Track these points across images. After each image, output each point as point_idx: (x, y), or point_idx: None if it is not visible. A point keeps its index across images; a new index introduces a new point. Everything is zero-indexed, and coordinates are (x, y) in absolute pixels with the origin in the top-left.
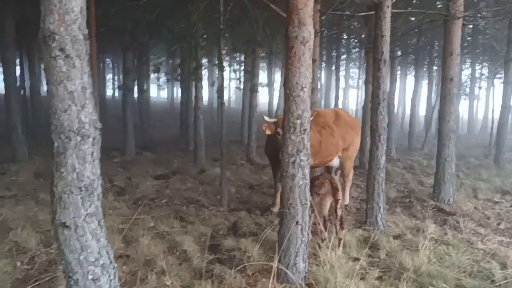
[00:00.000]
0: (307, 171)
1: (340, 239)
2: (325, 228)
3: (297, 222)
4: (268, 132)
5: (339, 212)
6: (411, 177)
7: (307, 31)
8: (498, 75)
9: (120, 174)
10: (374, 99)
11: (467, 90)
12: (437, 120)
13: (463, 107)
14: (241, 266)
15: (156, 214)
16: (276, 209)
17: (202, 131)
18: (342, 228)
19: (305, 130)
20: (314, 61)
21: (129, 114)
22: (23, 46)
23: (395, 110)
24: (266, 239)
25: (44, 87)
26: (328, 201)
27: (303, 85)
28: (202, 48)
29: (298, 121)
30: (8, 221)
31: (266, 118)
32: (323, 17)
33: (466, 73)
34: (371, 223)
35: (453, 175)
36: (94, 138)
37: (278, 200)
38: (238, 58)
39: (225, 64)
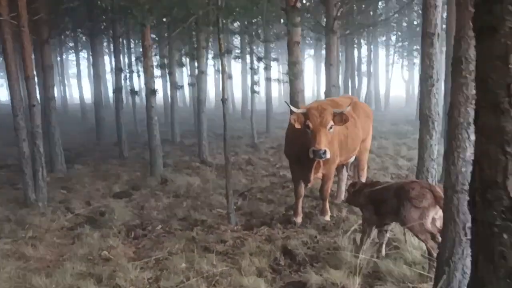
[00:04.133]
0: None
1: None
2: (437, 243)
3: None
4: (297, 125)
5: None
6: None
7: None
8: None
9: (70, 199)
10: (426, 81)
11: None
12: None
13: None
14: None
15: (171, 248)
16: (299, 219)
17: (158, 134)
18: (436, 241)
19: None
20: (297, 43)
21: (55, 120)
22: None
23: None
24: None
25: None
26: (431, 215)
27: None
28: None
29: None
30: None
31: (293, 108)
32: None
33: None
34: None
35: None
36: None
37: (300, 209)
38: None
39: None
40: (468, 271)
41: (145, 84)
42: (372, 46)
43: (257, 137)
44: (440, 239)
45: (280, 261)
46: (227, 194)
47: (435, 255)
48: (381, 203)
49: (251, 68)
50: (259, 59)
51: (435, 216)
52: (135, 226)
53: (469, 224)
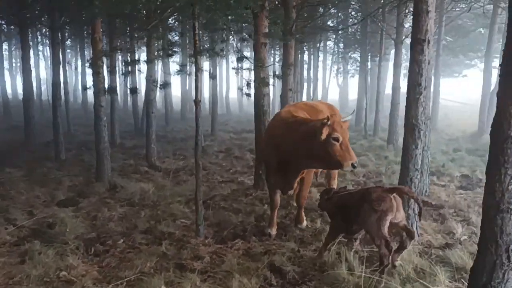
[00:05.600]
0: None
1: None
2: (389, 251)
3: None
4: (323, 136)
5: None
6: None
7: None
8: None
9: (8, 208)
10: (414, 88)
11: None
12: None
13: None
14: None
15: (142, 266)
16: (274, 230)
17: (107, 136)
18: (412, 236)
19: None
20: (265, 44)
21: None
22: None
23: None
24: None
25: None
26: (388, 219)
27: None
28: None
29: None
30: None
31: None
32: None
33: None
34: None
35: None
36: None
37: (275, 220)
38: None
39: None
40: None
41: (93, 81)
42: (312, 52)
43: (203, 140)
44: (392, 247)
45: (272, 281)
46: (196, 204)
47: (385, 262)
48: (347, 208)
49: (234, 68)
50: (240, 58)
51: (395, 220)
52: (92, 240)
53: None
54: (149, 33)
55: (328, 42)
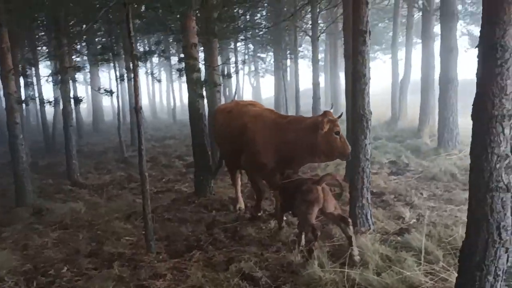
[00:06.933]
0: None
1: (350, 237)
2: (315, 236)
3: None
4: (325, 129)
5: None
6: None
7: None
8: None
9: None
10: (359, 79)
11: None
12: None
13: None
14: None
15: None
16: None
17: (25, 156)
18: (347, 223)
19: None
20: (195, 45)
21: None
22: None
23: None
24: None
25: None
26: (316, 209)
27: None
28: None
29: None
30: None
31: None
32: None
33: None
34: (362, 223)
35: None
36: None
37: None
38: None
39: None
40: (501, 273)
41: (4, 95)
42: (223, 53)
43: (125, 151)
44: (318, 234)
45: None
46: (145, 218)
47: (311, 247)
48: (288, 194)
49: (178, 70)
50: (182, 59)
51: (327, 210)
52: (30, 272)
53: (503, 223)
54: (58, 42)
55: (238, 44)
